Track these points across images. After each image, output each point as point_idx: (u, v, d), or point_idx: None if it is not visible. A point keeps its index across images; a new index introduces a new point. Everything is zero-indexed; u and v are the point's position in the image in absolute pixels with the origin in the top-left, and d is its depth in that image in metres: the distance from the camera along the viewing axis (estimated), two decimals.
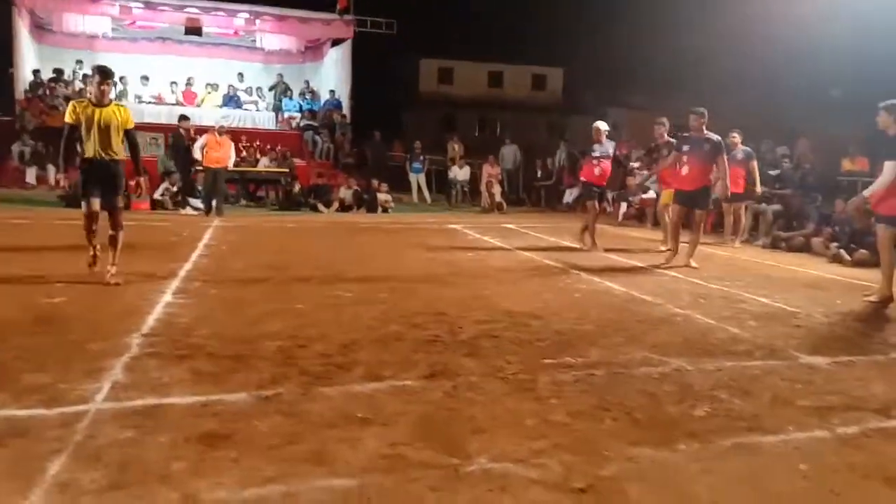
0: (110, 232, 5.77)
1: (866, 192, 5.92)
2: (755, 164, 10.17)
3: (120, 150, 5.76)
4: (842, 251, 8.47)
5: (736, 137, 10.07)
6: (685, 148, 7.64)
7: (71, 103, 5.77)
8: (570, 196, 15.61)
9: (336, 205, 13.90)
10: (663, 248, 8.63)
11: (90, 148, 5.58)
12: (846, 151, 12.62)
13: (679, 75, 29.09)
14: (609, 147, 9.00)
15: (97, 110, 5.59)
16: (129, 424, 2.80)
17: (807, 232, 9.67)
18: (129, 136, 5.82)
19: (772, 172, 11.39)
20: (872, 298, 5.91)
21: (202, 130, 13.01)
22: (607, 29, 33.42)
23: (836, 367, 3.98)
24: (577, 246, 9.04)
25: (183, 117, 13.33)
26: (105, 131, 5.58)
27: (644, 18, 31.88)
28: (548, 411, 3.12)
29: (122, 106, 5.87)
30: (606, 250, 8.81)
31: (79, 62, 16.87)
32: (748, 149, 10.25)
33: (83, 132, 5.57)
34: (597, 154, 8.81)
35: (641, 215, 13.12)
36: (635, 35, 32.58)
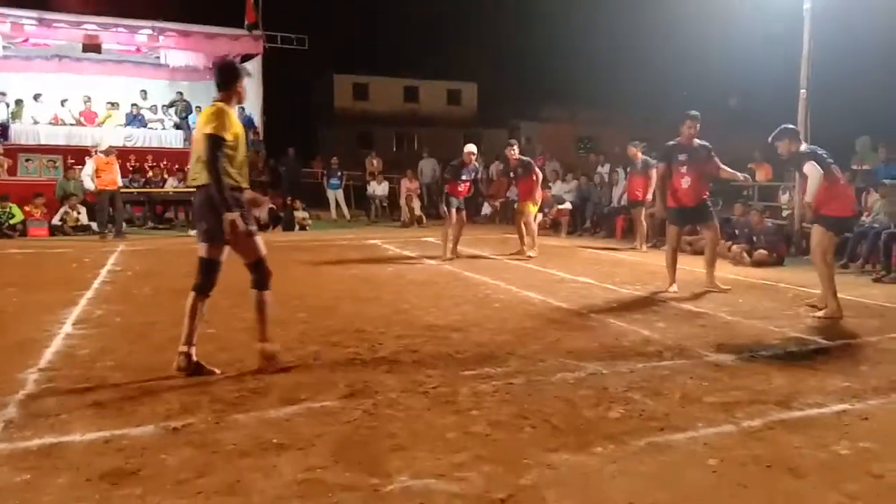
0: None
1: (808, 198, 5.55)
2: (654, 172, 10.65)
3: None
4: (743, 253, 8.94)
5: (635, 148, 10.68)
6: (682, 157, 6.63)
7: (220, 106, 3.81)
8: (487, 209, 15.83)
9: None
10: (532, 254, 9.21)
11: (241, 175, 3.92)
12: (745, 158, 13.32)
13: (588, 88, 30.17)
14: (473, 170, 9.28)
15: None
16: (24, 467, 2.61)
17: None
18: None
19: None
20: (819, 314, 5.56)
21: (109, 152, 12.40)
22: (519, 45, 34.32)
23: (740, 363, 4.17)
24: (493, 256, 9.19)
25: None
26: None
27: (554, 34, 32.92)
28: (468, 423, 3.12)
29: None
30: (527, 258, 9.04)
31: None
32: (648, 158, 10.77)
33: (230, 153, 3.79)
34: (465, 178, 9.11)
35: (556, 225, 13.45)
36: (545, 50, 33.60)
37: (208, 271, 3.81)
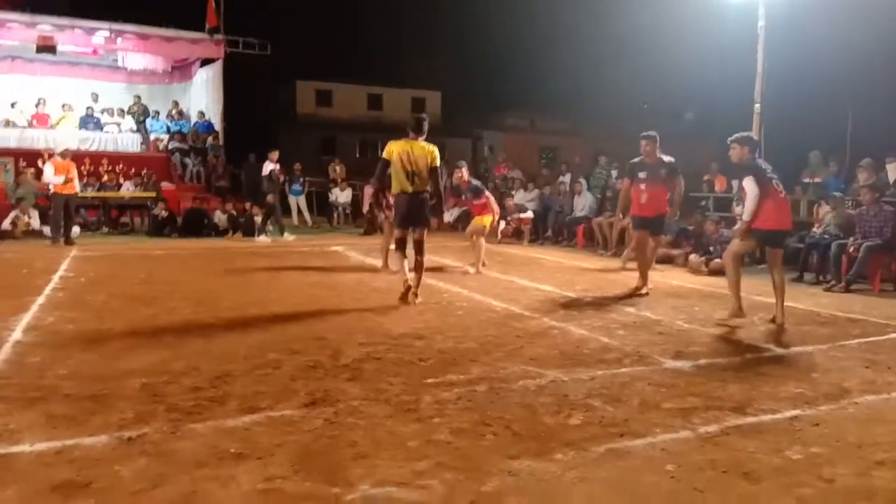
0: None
1: (746, 216, 5.64)
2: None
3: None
4: (699, 262, 9.12)
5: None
6: (641, 175, 7.08)
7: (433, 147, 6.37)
8: (450, 216, 15.85)
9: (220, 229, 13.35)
10: (472, 270, 8.59)
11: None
12: (703, 170, 13.62)
13: (551, 100, 30.54)
14: None
15: None
16: None
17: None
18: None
19: None
20: (723, 316, 5.80)
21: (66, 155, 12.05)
22: (483, 55, 34.58)
23: (697, 369, 4.26)
24: (459, 265, 9.16)
25: (272, 149, 13.02)
26: None
27: (518, 46, 33.28)
28: (430, 431, 3.11)
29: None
30: (479, 270, 8.75)
31: None
32: None
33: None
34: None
35: (518, 233, 13.56)
36: (510, 61, 33.93)
37: (405, 244, 6.38)
